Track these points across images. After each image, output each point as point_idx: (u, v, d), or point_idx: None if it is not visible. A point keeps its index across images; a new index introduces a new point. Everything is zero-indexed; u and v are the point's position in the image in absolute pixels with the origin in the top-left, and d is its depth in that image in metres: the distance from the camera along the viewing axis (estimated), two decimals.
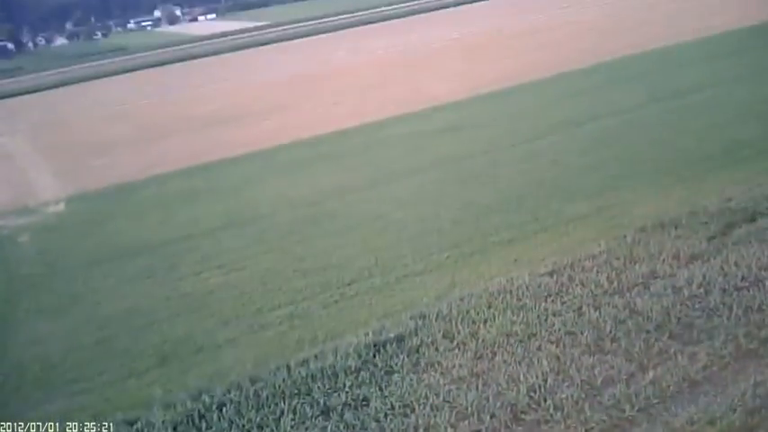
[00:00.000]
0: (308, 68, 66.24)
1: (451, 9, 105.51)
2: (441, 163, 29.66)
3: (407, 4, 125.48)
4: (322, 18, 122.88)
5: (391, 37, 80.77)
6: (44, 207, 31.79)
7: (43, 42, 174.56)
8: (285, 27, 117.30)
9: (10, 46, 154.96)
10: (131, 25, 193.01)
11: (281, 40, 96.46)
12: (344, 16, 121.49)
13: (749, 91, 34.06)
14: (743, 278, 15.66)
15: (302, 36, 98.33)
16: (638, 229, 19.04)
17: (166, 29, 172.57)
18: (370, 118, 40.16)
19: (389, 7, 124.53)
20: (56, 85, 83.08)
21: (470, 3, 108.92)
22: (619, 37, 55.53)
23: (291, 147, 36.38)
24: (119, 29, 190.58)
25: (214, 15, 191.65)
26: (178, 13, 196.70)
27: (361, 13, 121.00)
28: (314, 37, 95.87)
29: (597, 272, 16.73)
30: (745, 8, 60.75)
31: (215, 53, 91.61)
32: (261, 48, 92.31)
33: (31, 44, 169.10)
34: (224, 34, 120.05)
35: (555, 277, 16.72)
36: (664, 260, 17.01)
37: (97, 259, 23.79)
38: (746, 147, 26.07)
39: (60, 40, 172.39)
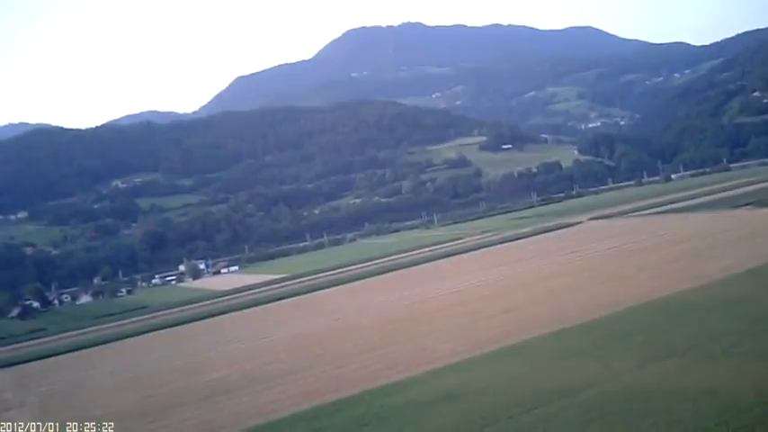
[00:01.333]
0: (317, 326, 67.62)
1: (459, 256, 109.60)
2: None
3: (416, 251, 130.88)
4: (337, 269, 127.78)
5: (398, 289, 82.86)
6: None
7: (68, 299, 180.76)
8: (301, 279, 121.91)
9: (35, 305, 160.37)
10: (156, 280, 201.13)
11: (296, 294, 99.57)
12: (358, 266, 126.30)
13: (747, 346, 34.09)
14: None
15: (316, 289, 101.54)
16: None
17: (189, 284, 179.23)
18: (371, 384, 40.02)
19: (404, 254, 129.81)
20: (75, 348, 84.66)
21: (475, 250, 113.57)
22: (618, 286, 56.56)
23: (287, 421, 36.00)
24: (144, 284, 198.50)
25: (236, 267, 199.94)
26: (202, 266, 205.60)
27: (375, 263, 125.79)
28: (327, 290, 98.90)
29: None
30: (746, 249, 62.41)
31: (232, 310, 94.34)
32: (276, 303, 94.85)
33: (56, 302, 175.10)
34: (242, 289, 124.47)
35: None
36: None
37: None
38: (742, 415, 25.64)
39: (85, 298, 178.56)
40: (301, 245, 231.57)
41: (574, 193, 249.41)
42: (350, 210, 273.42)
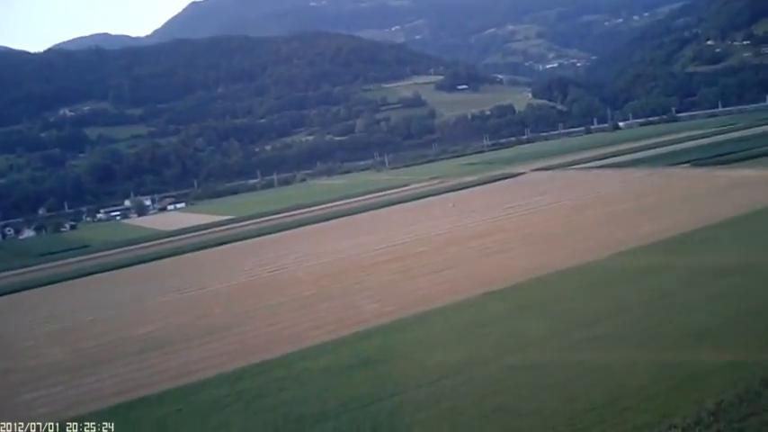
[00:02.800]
0: (255, 277, 68.72)
1: (403, 205, 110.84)
2: (347, 409, 30.55)
3: (363, 197, 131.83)
4: (283, 212, 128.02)
5: (339, 239, 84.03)
6: None
7: (12, 233, 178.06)
8: (246, 223, 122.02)
9: None
10: (101, 215, 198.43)
11: (239, 239, 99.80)
12: (304, 210, 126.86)
13: (650, 321, 36.08)
14: None
15: (259, 234, 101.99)
16: None
17: (134, 221, 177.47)
18: (296, 346, 41.27)
19: (351, 200, 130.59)
20: (13, 291, 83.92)
21: (420, 198, 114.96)
22: (547, 248, 58.47)
23: (213, 382, 37.06)
24: (89, 218, 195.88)
25: (183, 204, 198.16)
26: (147, 202, 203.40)
27: (321, 207, 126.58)
28: (271, 235, 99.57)
29: None
30: (675, 213, 64.45)
31: (173, 254, 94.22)
32: (218, 249, 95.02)
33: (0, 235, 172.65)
34: (186, 230, 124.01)
35: None
36: None
37: None
38: (630, 396, 27.56)
39: (28, 232, 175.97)
40: (251, 182, 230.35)
41: (524, 138, 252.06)
42: (302, 147, 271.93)
